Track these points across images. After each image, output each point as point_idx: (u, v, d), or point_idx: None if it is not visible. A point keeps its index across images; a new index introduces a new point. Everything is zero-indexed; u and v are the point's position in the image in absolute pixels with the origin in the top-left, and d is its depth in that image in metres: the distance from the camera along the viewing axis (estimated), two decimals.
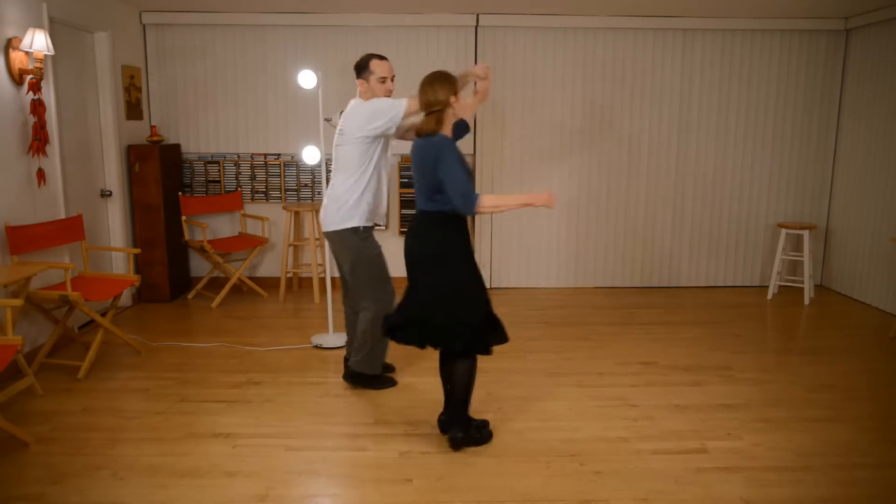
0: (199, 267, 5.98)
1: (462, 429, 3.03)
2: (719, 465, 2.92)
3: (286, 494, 2.68)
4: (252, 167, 5.91)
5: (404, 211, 5.94)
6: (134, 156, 5.32)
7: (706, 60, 5.86)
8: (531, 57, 5.79)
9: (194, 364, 4.12)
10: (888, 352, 4.43)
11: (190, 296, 5.68)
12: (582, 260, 6.10)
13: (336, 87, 5.57)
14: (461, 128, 3.31)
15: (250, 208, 5.96)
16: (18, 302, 3.22)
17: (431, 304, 2.89)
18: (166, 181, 5.46)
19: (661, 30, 5.77)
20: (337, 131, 3.51)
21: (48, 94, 4.20)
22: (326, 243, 3.94)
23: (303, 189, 5.94)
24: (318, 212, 5.51)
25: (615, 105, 5.89)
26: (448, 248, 2.89)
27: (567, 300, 5.72)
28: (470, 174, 2.87)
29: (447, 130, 2.92)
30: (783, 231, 5.72)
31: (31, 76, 3.93)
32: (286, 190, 5.93)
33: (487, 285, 5.38)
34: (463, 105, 2.94)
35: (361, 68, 3.51)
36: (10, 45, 3.85)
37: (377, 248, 3.57)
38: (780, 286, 5.93)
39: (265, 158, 5.91)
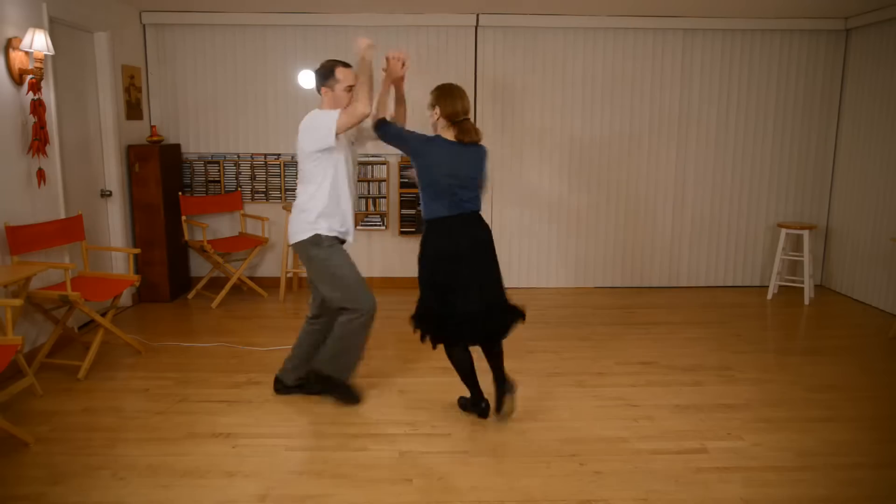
0: (199, 267, 5.98)
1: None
2: (719, 465, 2.92)
3: (286, 494, 2.68)
4: (252, 167, 5.91)
5: (404, 211, 5.94)
6: (134, 156, 5.32)
7: (706, 60, 5.86)
8: (531, 57, 5.79)
9: (194, 364, 4.12)
10: (888, 352, 4.43)
11: (190, 296, 5.68)
12: (582, 260, 6.10)
13: None
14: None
15: (250, 208, 5.96)
16: (18, 302, 3.22)
17: (502, 288, 3.26)
18: (166, 181, 5.46)
19: (662, 30, 5.77)
20: None
21: (48, 94, 4.20)
22: None
23: None
24: None
25: (615, 105, 5.89)
26: None
27: (567, 300, 5.72)
28: None
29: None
30: (783, 231, 5.72)
31: (31, 76, 3.93)
32: (286, 190, 5.93)
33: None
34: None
35: (325, 76, 3.30)
36: (10, 45, 3.85)
37: (343, 255, 3.38)
38: (780, 286, 5.93)
39: (265, 158, 5.91)
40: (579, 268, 6.11)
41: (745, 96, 5.93)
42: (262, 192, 5.95)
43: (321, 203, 3.31)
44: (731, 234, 6.14)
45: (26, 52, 3.91)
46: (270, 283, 5.97)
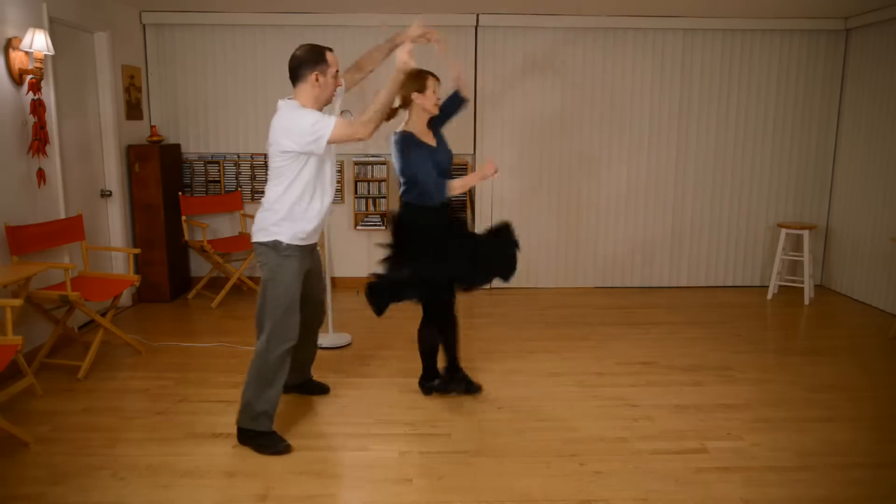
0: (199, 267, 5.97)
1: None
2: (719, 465, 2.92)
3: (286, 494, 2.68)
4: (252, 167, 5.91)
5: None
6: (134, 156, 5.32)
7: (706, 60, 5.86)
8: (531, 57, 5.79)
9: (194, 364, 4.12)
10: (888, 352, 4.43)
11: (190, 296, 5.68)
12: (582, 260, 6.10)
13: None
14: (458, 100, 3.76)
15: (250, 208, 5.96)
16: (18, 302, 3.22)
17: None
18: (166, 181, 5.46)
19: (662, 30, 5.77)
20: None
21: (48, 94, 4.20)
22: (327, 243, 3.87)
23: None
24: None
25: (615, 104, 5.89)
26: None
27: (567, 300, 5.72)
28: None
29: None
30: (783, 231, 5.72)
31: (31, 76, 3.93)
32: None
33: (489, 285, 5.66)
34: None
35: (316, 60, 2.91)
36: (10, 45, 3.85)
37: (296, 271, 3.00)
38: (780, 286, 5.93)
39: (265, 158, 5.89)
40: (579, 268, 6.11)
41: (744, 96, 5.92)
42: (262, 192, 5.93)
43: (287, 205, 2.94)
44: (731, 234, 6.13)
45: (26, 52, 3.91)
46: None
